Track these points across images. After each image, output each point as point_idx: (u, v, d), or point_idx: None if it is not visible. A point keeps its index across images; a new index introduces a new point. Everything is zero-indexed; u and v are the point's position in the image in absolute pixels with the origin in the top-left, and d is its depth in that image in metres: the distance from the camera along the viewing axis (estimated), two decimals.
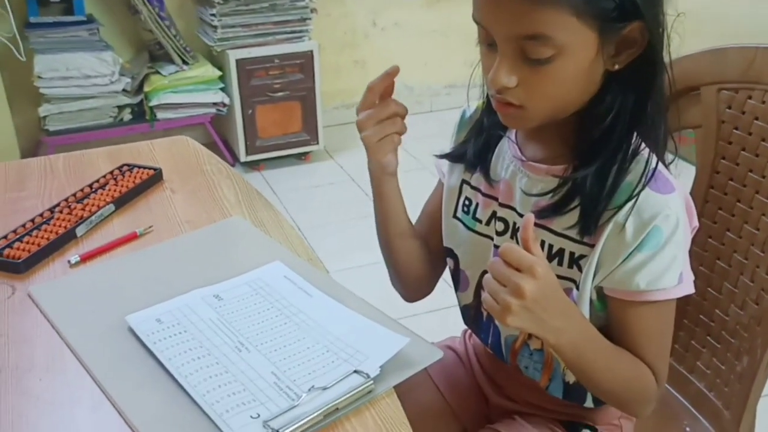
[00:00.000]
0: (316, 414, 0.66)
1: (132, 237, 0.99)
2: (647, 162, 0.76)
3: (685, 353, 1.03)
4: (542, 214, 0.79)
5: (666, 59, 0.75)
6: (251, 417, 0.67)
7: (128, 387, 0.72)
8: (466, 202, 0.91)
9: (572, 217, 0.78)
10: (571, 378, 0.86)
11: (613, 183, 0.75)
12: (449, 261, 0.95)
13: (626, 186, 0.75)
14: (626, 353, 0.79)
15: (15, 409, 0.70)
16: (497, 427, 0.92)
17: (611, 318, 0.81)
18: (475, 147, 0.89)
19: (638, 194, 0.74)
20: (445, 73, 3.57)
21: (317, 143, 3.09)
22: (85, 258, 0.94)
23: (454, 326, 1.11)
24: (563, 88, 0.73)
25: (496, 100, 0.77)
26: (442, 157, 0.94)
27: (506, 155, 0.86)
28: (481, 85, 0.84)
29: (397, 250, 0.96)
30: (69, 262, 0.94)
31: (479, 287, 0.91)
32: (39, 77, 2.65)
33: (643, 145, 0.77)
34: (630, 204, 0.74)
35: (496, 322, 0.90)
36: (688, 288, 0.78)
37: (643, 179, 0.75)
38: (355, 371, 0.71)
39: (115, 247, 0.97)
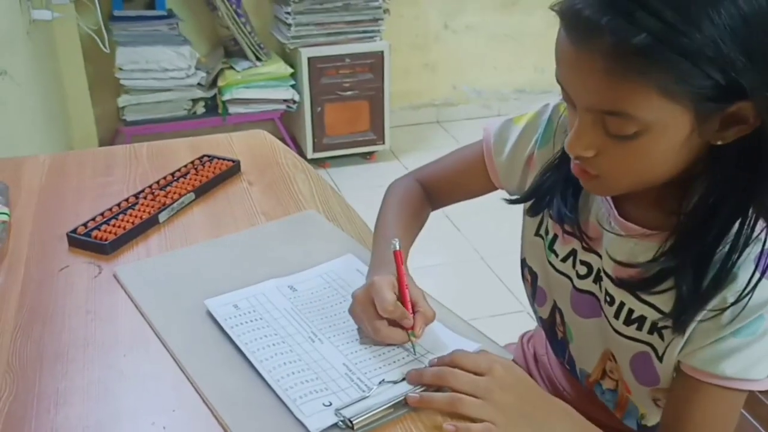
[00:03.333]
0: (386, 406, 0.68)
1: None
2: (763, 246, 0.66)
3: None
4: (628, 284, 0.73)
5: None
6: (324, 405, 0.69)
7: (206, 367, 0.75)
8: (546, 230, 0.86)
9: (664, 298, 0.71)
10: (649, 421, 0.81)
11: (716, 276, 0.66)
12: (527, 274, 0.92)
13: (732, 277, 0.66)
14: None
15: (101, 381, 0.74)
16: None
17: (676, 392, 0.73)
18: (558, 185, 0.80)
19: (753, 290, 0.65)
20: (514, 77, 3.55)
21: (383, 143, 3.12)
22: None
23: (512, 332, 1.11)
24: (649, 163, 0.65)
25: (573, 163, 0.71)
26: (513, 202, 0.87)
27: (596, 198, 0.79)
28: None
29: None
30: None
31: (555, 309, 0.88)
32: (120, 69, 2.75)
33: (759, 226, 0.66)
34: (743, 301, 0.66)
35: (572, 352, 0.87)
36: None
37: (759, 269, 0.65)
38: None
39: None
